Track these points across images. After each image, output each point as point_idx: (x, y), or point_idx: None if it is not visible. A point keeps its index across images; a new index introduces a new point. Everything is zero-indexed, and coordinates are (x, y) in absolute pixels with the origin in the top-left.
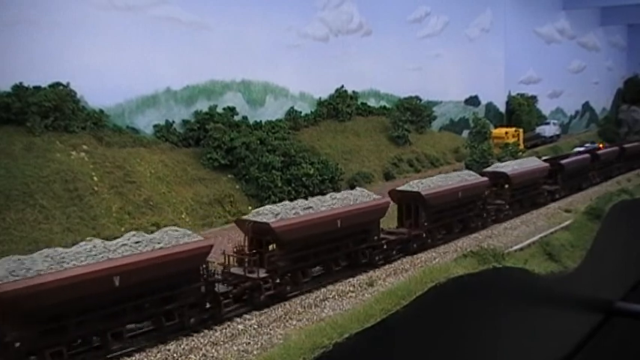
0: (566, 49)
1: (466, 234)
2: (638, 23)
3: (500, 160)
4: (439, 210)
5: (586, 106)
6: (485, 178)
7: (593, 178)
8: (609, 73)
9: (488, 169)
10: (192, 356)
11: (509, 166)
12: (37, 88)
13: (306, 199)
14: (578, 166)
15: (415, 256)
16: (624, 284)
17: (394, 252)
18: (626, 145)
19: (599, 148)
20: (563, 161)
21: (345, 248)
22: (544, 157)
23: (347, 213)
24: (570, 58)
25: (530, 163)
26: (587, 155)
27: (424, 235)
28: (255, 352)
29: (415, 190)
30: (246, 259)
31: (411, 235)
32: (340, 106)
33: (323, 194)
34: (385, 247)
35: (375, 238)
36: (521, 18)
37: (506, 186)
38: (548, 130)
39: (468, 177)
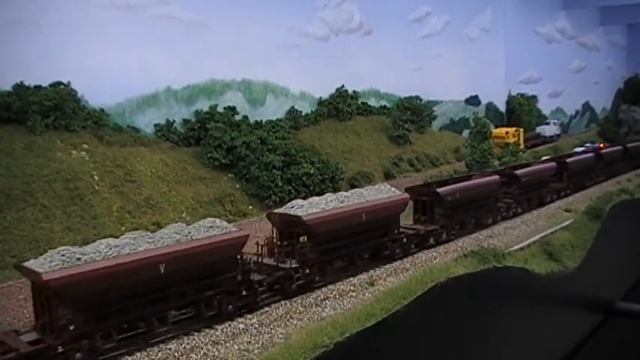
0: (566, 49)
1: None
2: (638, 23)
3: (500, 159)
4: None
5: (586, 106)
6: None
7: (596, 177)
8: (609, 73)
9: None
10: (194, 355)
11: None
12: (38, 88)
13: (305, 199)
14: (581, 165)
15: (415, 255)
16: (624, 284)
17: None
18: (629, 145)
19: (600, 148)
20: (568, 160)
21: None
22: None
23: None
24: (570, 57)
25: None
26: (591, 154)
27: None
28: (256, 352)
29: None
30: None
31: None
32: (341, 106)
33: (323, 194)
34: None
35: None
36: (522, 18)
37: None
38: (549, 129)
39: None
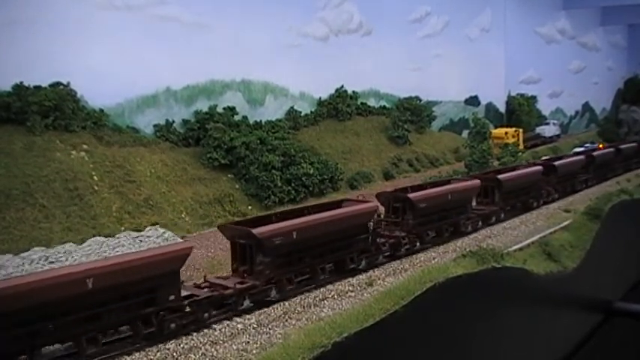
0: (566, 49)
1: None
2: (638, 23)
3: (499, 160)
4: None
5: (586, 106)
6: (477, 181)
7: (588, 180)
8: (609, 73)
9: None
10: (192, 355)
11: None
12: (38, 88)
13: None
14: (571, 168)
15: (414, 256)
16: (624, 284)
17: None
18: (622, 146)
19: (599, 148)
20: (557, 163)
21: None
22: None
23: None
24: (570, 58)
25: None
26: (581, 157)
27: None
28: (254, 352)
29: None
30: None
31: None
32: (340, 106)
33: (323, 194)
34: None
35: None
36: (521, 18)
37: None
38: (548, 130)
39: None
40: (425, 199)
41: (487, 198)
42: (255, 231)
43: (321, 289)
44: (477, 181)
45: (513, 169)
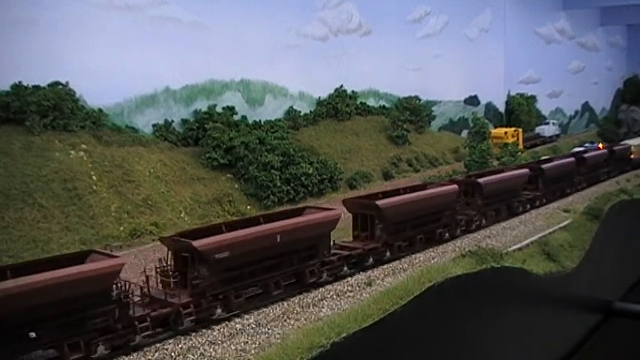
0: (565, 49)
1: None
2: (638, 23)
3: (498, 160)
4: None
5: (585, 106)
6: (455, 186)
7: (578, 184)
8: (609, 73)
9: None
10: (190, 355)
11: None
12: (36, 88)
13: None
14: (560, 171)
15: (413, 255)
16: (623, 284)
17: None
18: (615, 148)
19: (598, 149)
20: (544, 166)
21: (425, 226)
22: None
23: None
24: (570, 58)
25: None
26: (571, 159)
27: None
28: (253, 352)
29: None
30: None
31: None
32: (339, 106)
33: (322, 194)
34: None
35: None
36: (521, 18)
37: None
38: (548, 130)
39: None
40: (394, 206)
41: (469, 203)
42: (195, 243)
43: (320, 290)
44: (455, 186)
45: (496, 172)
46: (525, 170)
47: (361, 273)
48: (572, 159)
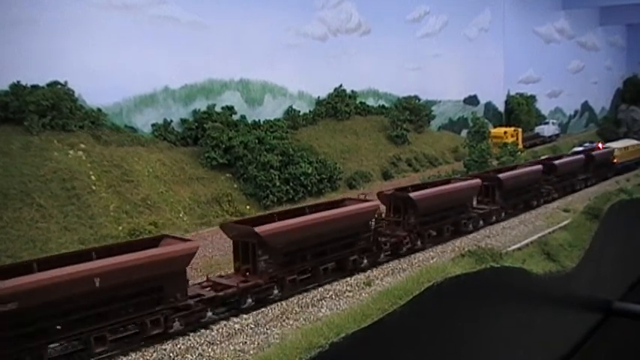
0: (565, 49)
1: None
2: (638, 23)
3: (498, 159)
4: None
5: (585, 106)
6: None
7: (547, 194)
8: (608, 73)
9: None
10: (189, 356)
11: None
12: (35, 87)
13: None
14: (522, 181)
15: (413, 255)
16: (622, 284)
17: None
18: (594, 153)
19: (597, 149)
20: (502, 175)
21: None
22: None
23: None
24: (569, 57)
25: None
26: (538, 166)
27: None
28: (251, 352)
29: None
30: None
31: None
32: (339, 106)
33: (321, 193)
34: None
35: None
36: (521, 18)
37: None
38: (547, 129)
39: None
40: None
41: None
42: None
43: (319, 289)
44: (478, 181)
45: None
46: (477, 180)
47: (360, 274)
48: (539, 166)
